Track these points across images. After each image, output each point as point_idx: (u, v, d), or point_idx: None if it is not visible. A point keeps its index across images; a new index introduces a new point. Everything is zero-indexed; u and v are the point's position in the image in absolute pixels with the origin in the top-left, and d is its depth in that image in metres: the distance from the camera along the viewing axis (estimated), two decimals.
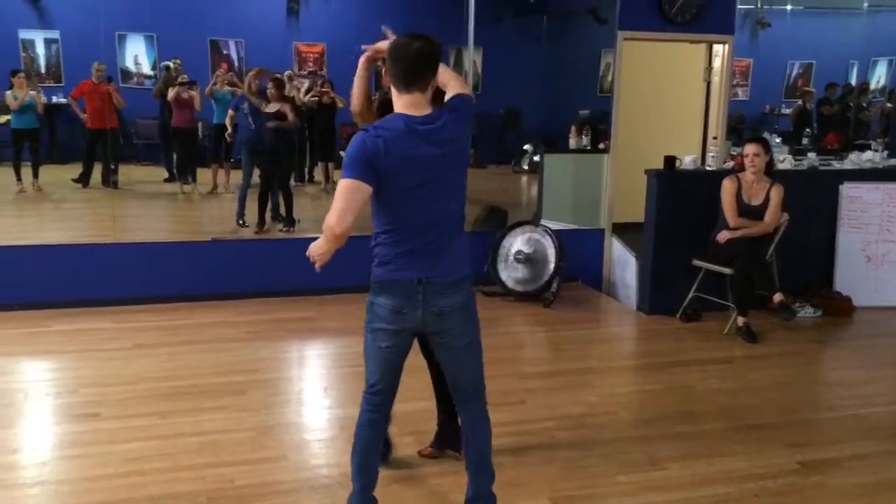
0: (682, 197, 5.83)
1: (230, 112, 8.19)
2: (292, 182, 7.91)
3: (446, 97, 2.68)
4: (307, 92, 9.50)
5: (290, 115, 7.35)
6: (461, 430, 2.90)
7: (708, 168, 6.19)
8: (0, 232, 7.09)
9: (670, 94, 7.30)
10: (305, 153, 9.67)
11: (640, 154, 6.32)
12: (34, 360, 4.78)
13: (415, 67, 2.50)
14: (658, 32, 6.44)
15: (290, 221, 7.28)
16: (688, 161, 6.02)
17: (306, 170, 9.81)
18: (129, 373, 4.44)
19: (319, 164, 9.51)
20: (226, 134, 8.32)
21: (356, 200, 2.44)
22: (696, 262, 5.58)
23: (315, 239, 2.60)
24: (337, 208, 2.42)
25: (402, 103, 2.54)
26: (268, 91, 7.46)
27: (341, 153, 10.10)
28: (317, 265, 2.63)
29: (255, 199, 7.33)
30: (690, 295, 5.66)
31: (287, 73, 9.96)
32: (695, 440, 3.73)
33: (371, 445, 2.79)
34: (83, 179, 8.95)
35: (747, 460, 3.53)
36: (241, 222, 7.33)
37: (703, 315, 5.72)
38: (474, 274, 2.71)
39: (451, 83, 2.70)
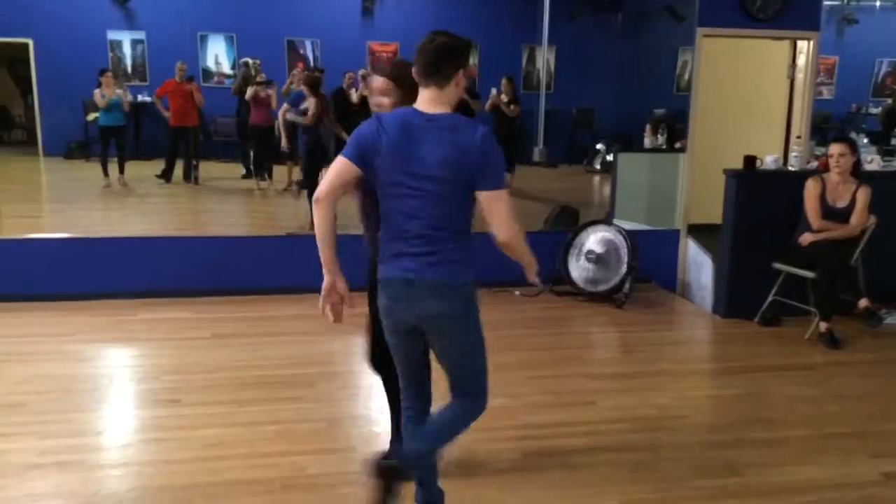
0: (762, 198, 5.65)
1: (284, 106, 8.30)
2: None
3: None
4: None
5: (309, 114, 7.42)
6: None
7: (790, 168, 5.99)
8: (88, 224, 7.43)
9: (751, 92, 7.10)
10: None
11: (718, 154, 6.16)
12: (119, 347, 4.97)
13: (434, 60, 2.48)
14: (740, 29, 6.27)
15: None
16: (769, 161, 5.84)
17: None
18: (209, 362, 4.58)
19: None
20: (280, 140, 8.38)
21: (340, 176, 2.50)
22: (777, 266, 5.41)
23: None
24: (324, 180, 2.53)
25: (420, 98, 2.53)
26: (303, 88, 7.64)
27: None
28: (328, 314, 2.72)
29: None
30: (769, 298, 5.49)
31: (361, 71, 10.10)
32: (773, 447, 3.62)
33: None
34: (166, 175, 9.27)
35: (828, 469, 3.40)
36: None
37: (782, 320, 5.54)
38: (468, 282, 2.58)
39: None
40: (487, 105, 8.90)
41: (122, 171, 9.00)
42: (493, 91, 8.97)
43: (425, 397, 2.85)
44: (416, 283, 2.52)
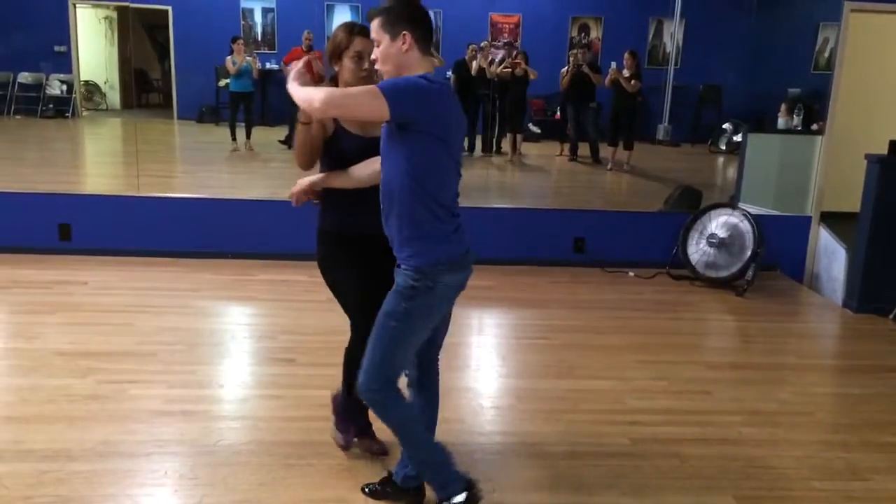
0: None
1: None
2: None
3: None
4: (500, 63, 9.52)
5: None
6: None
7: None
8: (216, 185, 7.78)
9: None
10: (495, 124, 9.73)
11: (859, 137, 5.79)
12: (240, 305, 5.20)
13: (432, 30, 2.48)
14: (894, 4, 5.81)
15: None
16: None
17: (494, 140, 9.86)
18: (323, 325, 4.69)
19: (508, 135, 9.54)
20: None
21: None
22: None
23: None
24: None
25: (424, 68, 2.42)
26: None
27: (530, 126, 10.11)
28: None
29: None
30: None
31: (483, 43, 10.04)
32: None
33: None
34: (289, 141, 9.53)
35: None
36: None
37: None
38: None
39: None
40: (607, 80, 8.66)
41: (248, 135, 9.34)
42: (613, 66, 8.71)
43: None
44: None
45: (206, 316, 4.88)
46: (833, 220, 6.10)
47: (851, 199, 5.56)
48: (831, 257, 5.92)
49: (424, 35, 2.42)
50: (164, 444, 3.17)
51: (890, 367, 4.48)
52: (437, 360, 2.89)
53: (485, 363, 4.45)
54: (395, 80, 2.37)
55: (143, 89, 11.97)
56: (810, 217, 6.20)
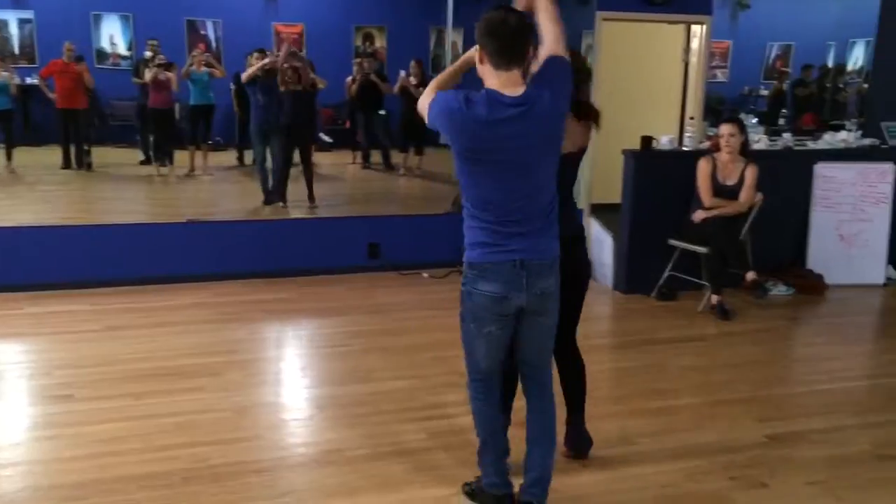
0: (658, 177, 5.86)
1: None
2: (268, 163, 7.80)
3: (539, 53, 2.55)
4: None
5: None
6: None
7: (684, 148, 6.22)
8: None
9: (649, 75, 7.31)
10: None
11: (620, 135, 6.31)
12: (6, 343, 4.75)
13: (514, 43, 2.43)
14: (637, 13, 6.43)
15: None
16: (664, 141, 6.05)
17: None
18: (102, 354, 4.42)
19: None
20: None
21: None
22: (672, 242, 5.62)
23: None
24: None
25: (498, 82, 2.45)
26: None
27: (322, 136, 10.07)
28: None
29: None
30: (665, 274, 5.71)
31: (268, 53, 9.86)
32: (667, 416, 3.78)
33: None
34: (66, 161, 8.82)
35: (718, 434, 3.58)
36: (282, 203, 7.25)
37: (678, 294, 5.77)
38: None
39: (546, 37, 2.56)
40: (396, 88, 8.87)
41: (9, 157, 8.54)
42: (402, 74, 8.95)
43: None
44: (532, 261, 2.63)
45: None
46: (602, 211, 6.63)
47: (616, 192, 6.09)
48: (601, 245, 6.45)
49: (499, 49, 2.43)
50: None
51: (653, 339, 4.97)
52: (534, 376, 2.86)
53: (285, 376, 4.40)
54: (446, 96, 2.49)
55: None
56: (582, 210, 6.71)
